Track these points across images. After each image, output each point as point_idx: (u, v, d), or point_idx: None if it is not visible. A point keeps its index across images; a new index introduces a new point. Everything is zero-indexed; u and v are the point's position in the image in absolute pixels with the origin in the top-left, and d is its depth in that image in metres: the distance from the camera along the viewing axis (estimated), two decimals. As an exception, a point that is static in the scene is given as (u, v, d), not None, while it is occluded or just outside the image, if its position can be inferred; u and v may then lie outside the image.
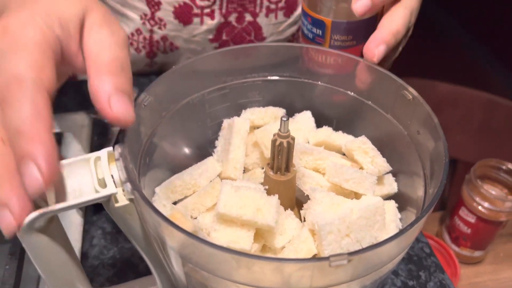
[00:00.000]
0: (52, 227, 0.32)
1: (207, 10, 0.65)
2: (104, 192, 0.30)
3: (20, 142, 0.26)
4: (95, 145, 0.63)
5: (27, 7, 0.29)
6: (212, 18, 0.66)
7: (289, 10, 0.68)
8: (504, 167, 0.71)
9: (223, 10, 0.64)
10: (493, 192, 0.66)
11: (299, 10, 0.69)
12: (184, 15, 0.64)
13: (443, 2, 2.73)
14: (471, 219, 0.69)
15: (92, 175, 0.31)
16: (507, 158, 0.72)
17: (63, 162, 0.32)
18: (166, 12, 0.64)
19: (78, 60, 0.31)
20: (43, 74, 0.28)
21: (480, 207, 0.68)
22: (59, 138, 0.64)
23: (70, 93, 0.72)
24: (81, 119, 0.67)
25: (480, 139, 1.06)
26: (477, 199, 0.67)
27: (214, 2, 0.64)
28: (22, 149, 0.26)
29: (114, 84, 0.29)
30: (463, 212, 0.70)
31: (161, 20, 0.66)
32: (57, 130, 0.65)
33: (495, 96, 1.02)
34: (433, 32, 2.73)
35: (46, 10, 0.29)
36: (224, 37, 0.68)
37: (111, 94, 0.29)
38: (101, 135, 0.65)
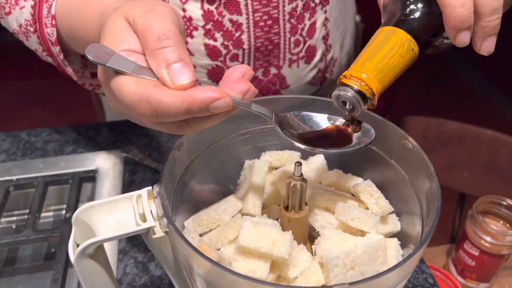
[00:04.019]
0: (99, 254, 0.38)
1: None
2: (144, 225, 0.36)
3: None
4: (125, 181, 0.70)
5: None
6: None
7: (309, 57, 0.73)
8: (504, 203, 0.74)
9: (251, 68, 0.70)
10: (495, 227, 0.69)
11: (318, 56, 0.75)
12: (216, 75, 0.70)
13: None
14: (475, 252, 0.72)
15: (134, 210, 0.37)
16: (513, 194, 0.76)
17: (110, 199, 0.38)
18: (200, 74, 0.70)
19: None
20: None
21: (482, 241, 0.71)
22: (94, 174, 0.71)
23: (104, 133, 0.79)
24: (114, 157, 0.74)
25: (487, 175, 1.08)
26: (480, 233, 0.71)
27: (242, 62, 0.70)
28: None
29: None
30: (467, 246, 0.73)
31: (196, 80, 0.72)
32: (92, 167, 0.71)
33: (500, 134, 1.05)
34: (441, 69, 2.78)
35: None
36: None
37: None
38: (131, 171, 0.71)
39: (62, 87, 2.48)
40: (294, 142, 0.39)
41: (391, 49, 0.39)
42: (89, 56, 0.35)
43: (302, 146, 0.39)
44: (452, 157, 1.13)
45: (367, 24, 0.93)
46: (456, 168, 1.11)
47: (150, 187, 0.39)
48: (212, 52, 0.67)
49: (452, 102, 2.46)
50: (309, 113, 0.42)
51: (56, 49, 0.56)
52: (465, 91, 2.60)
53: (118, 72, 0.36)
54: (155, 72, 0.35)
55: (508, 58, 2.35)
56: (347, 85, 0.39)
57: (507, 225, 0.75)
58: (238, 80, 0.36)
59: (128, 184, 0.69)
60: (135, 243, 0.59)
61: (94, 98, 1.00)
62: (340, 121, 0.42)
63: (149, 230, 0.37)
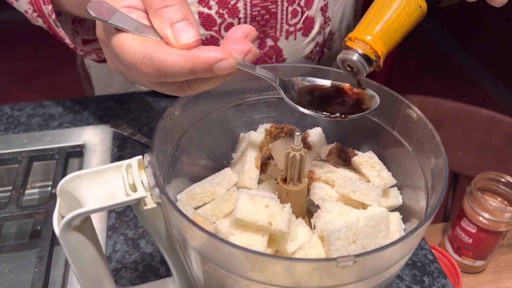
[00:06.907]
0: (86, 226, 0.35)
1: None
2: (135, 196, 0.34)
3: None
4: (114, 156, 0.67)
5: None
6: None
7: (307, 29, 0.71)
8: (503, 180, 0.73)
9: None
10: (493, 204, 0.68)
11: (316, 28, 0.72)
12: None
13: (444, 22, 2.77)
14: (472, 229, 0.71)
15: (123, 180, 0.35)
16: (507, 174, 0.74)
17: (97, 168, 0.36)
18: None
19: None
20: None
21: (480, 218, 0.70)
22: (81, 150, 0.68)
23: (91, 107, 0.76)
24: (102, 132, 0.71)
25: (481, 155, 1.08)
26: (478, 210, 0.70)
27: None
28: None
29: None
30: (464, 223, 0.73)
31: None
32: (79, 142, 0.69)
33: (495, 113, 1.05)
34: (434, 51, 2.77)
35: None
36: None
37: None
38: (120, 147, 0.69)
39: (48, 69, 2.43)
40: (298, 107, 0.38)
41: (397, 8, 0.38)
42: (91, 12, 0.34)
43: (307, 111, 0.37)
44: (447, 137, 1.12)
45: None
46: (450, 148, 1.10)
47: (140, 156, 0.37)
48: (206, 21, 0.64)
49: (445, 86, 2.45)
50: (314, 79, 0.41)
51: (48, 8, 0.53)
52: (458, 75, 2.59)
53: (119, 30, 0.34)
54: (159, 31, 0.34)
55: (501, 44, 2.35)
56: (352, 48, 0.38)
57: (505, 202, 0.74)
58: (239, 40, 0.35)
59: (117, 159, 0.66)
60: (125, 220, 0.57)
61: (82, 73, 0.96)
62: (344, 87, 0.41)
63: (140, 201, 0.35)
